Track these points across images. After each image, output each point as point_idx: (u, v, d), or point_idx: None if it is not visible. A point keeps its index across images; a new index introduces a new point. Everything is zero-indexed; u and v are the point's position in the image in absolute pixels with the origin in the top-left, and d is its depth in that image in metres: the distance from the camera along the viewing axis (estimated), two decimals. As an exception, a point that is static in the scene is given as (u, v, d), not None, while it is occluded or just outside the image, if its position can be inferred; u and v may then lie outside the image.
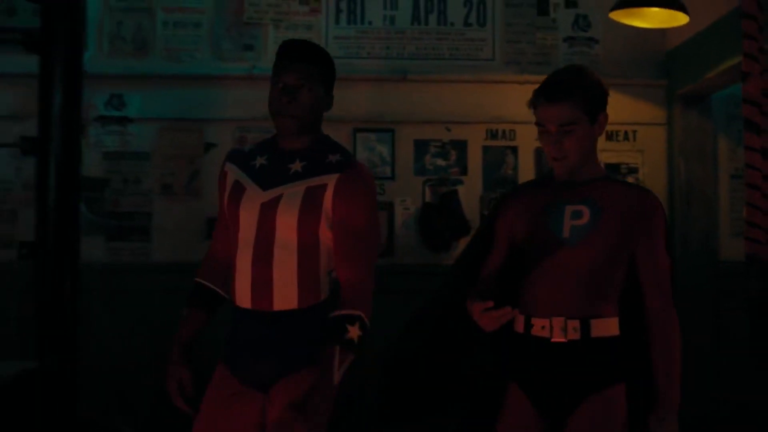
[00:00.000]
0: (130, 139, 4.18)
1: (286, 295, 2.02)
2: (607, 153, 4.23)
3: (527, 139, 4.18)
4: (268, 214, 2.04)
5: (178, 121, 4.20)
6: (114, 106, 4.16)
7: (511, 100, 4.05)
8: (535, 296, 2.01)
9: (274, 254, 2.02)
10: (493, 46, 4.28)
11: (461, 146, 4.22)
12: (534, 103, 1.99)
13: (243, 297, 2.05)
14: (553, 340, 1.96)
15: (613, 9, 3.40)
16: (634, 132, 4.27)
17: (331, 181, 2.02)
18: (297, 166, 2.06)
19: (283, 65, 2.05)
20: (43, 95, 2.16)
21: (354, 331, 1.92)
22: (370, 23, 4.28)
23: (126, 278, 4.02)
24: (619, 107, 4.21)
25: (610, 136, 4.25)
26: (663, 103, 4.28)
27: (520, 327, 2.03)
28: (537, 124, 1.98)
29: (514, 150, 4.28)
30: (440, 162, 4.24)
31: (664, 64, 4.27)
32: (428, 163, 4.24)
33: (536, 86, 2.03)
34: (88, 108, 4.09)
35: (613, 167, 4.23)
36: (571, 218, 1.99)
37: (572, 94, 1.92)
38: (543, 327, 1.97)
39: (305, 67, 2.02)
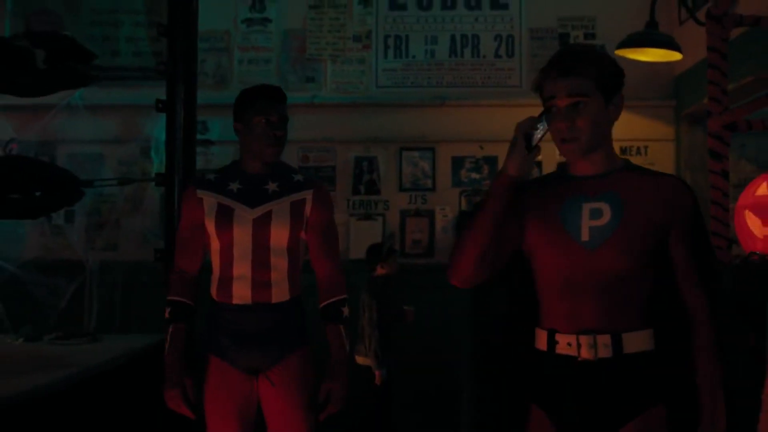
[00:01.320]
0: (212, 158, 4.83)
1: (281, 290, 2.32)
2: (621, 166, 4.78)
3: (550, 155, 4.73)
4: (261, 227, 2.30)
5: (251, 143, 4.87)
6: (199, 130, 4.79)
7: (535, 122, 4.66)
8: (556, 309, 1.73)
9: (271, 260, 2.29)
10: (520, 74, 4.82)
11: (492, 162, 4.71)
12: (541, 81, 1.70)
13: (242, 296, 2.29)
14: (580, 358, 1.68)
15: (619, 47, 3.96)
16: (646, 147, 4.78)
17: (308, 195, 2.34)
18: (272, 186, 2.34)
19: (269, 105, 2.32)
20: (168, 142, 2.87)
21: (346, 310, 2.38)
22: (413, 57, 4.85)
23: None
24: (633, 125, 4.81)
25: (624, 151, 4.75)
26: (671, 122, 4.74)
27: (542, 344, 1.74)
28: (546, 103, 1.68)
29: (539, 164, 4.82)
30: (474, 175, 4.77)
31: (672, 88, 4.72)
32: (464, 176, 4.76)
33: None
34: (177, 133, 4.91)
35: (627, 179, 4.78)
36: (590, 218, 1.71)
37: (585, 66, 1.66)
38: (569, 344, 1.69)
39: (285, 108, 2.35)
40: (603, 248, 1.68)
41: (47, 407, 1.87)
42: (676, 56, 3.83)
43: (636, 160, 4.75)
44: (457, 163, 4.77)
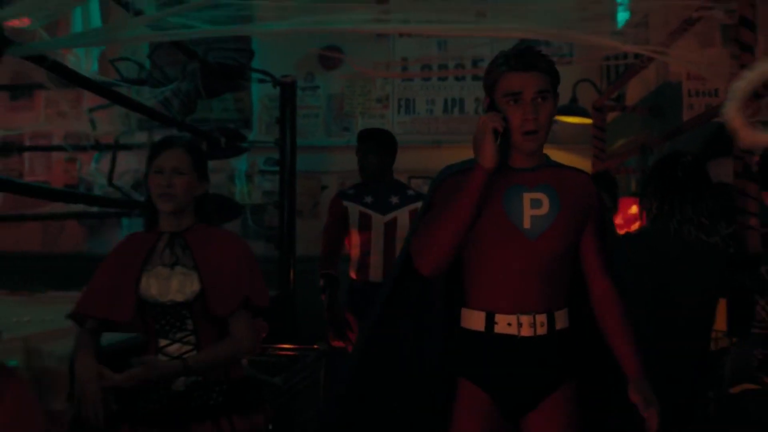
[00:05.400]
0: (278, 184, 6.69)
1: None
2: (562, 190, 6.67)
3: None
4: (390, 228, 3.08)
5: (305, 173, 5.94)
6: (268, 164, 6.42)
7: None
8: (497, 292, 1.78)
9: (395, 250, 2.99)
10: (493, 126, 6.64)
11: (473, 186, 6.54)
12: (498, 75, 1.70)
13: (376, 274, 3.06)
14: (520, 336, 1.75)
15: (553, 113, 5.91)
16: (580, 177, 6.59)
17: (418, 205, 2.98)
18: (395, 199, 3.12)
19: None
20: (281, 182, 4.85)
21: None
22: (418, 113, 6.47)
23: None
24: (572, 162, 6.57)
25: (565, 180, 6.66)
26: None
27: (479, 324, 1.79)
28: (506, 95, 1.68)
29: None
30: (460, 196, 6.60)
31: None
32: (453, 196, 6.56)
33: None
34: (254, 165, 6.48)
35: (566, 198, 6.63)
36: (531, 207, 1.75)
37: (545, 65, 1.71)
38: (509, 324, 1.76)
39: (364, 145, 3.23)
40: (543, 236, 1.75)
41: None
42: (587, 120, 5.82)
43: (573, 186, 6.71)
44: (449, 187, 6.54)
